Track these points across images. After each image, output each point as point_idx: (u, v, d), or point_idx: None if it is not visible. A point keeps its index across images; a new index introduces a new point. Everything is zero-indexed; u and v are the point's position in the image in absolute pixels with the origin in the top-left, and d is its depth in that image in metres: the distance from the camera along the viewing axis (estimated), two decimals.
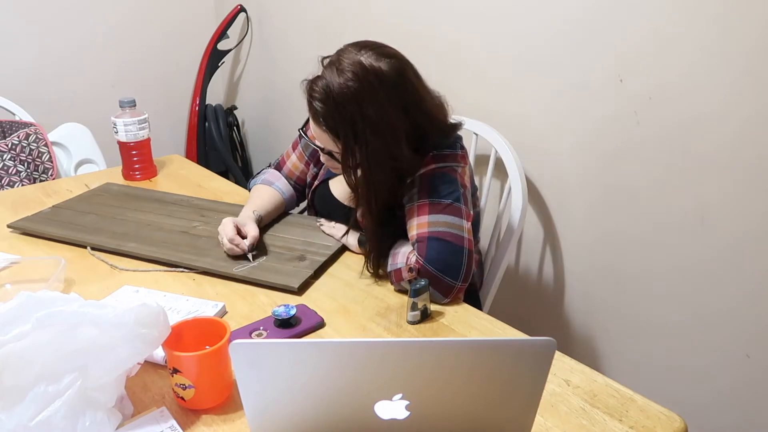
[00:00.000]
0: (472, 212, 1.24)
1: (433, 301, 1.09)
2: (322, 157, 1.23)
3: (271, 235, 1.32)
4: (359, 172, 1.13)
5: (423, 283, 1.04)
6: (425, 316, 1.07)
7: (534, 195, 1.69)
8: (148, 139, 1.71)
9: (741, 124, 1.25)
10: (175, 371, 0.83)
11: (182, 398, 0.85)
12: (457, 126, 1.24)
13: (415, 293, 1.03)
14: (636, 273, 1.52)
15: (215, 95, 2.90)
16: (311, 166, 1.44)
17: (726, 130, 1.28)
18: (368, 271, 1.19)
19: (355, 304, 1.12)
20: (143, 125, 1.67)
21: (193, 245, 1.29)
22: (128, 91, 1.95)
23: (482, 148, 1.67)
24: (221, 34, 2.70)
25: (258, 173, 1.51)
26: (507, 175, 1.55)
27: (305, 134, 1.28)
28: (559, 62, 1.54)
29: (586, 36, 1.47)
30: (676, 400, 1.43)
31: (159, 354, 0.93)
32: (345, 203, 1.34)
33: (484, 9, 1.68)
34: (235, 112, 2.91)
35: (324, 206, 1.40)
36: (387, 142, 1.11)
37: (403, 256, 1.15)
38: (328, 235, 1.33)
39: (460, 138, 1.25)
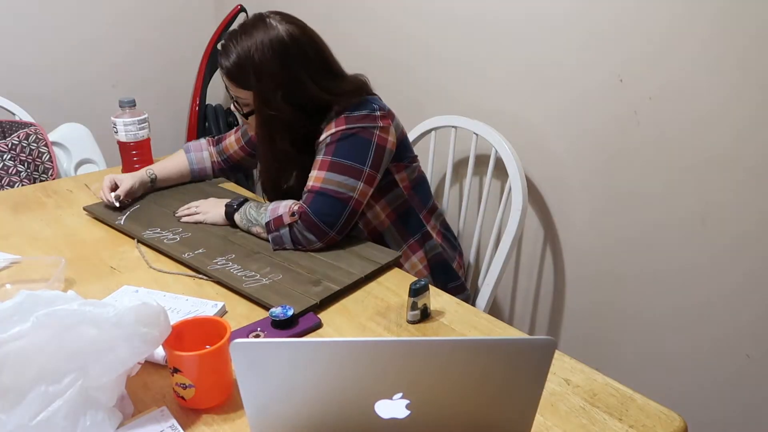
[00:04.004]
0: (407, 177, 1.37)
1: (307, 246, 1.24)
2: (233, 106, 1.36)
3: (301, 253, 1.26)
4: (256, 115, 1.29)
5: (423, 282, 1.04)
6: (425, 315, 1.07)
7: (534, 195, 1.69)
8: (148, 139, 1.71)
9: (741, 124, 1.26)
10: (176, 371, 0.83)
11: (183, 398, 0.85)
12: (360, 88, 1.32)
13: (415, 293, 1.03)
14: (636, 273, 1.52)
15: (215, 95, 2.90)
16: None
17: (726, 130, 1.28)
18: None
19: (355, 303, 1.12)
20: (143, 125, 1.67)
21: (221, 251, 1.26)
22: (128, 90, 1.95)
23: (482, 148, 1.67)
24: (221, 34, 2.70)
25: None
26: (507, 175, 1.55)
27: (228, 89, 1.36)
28: (559, 62, 1.54)
29: (586, 36, 1.47)
30: (676, 399, 1.43)
31: (159, 353, 0.93)
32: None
33: (483, 9, 1.68)
34: None
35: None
36: (265, 90, 1.25)
37: (285, 206, 1.26)
38: (194, 223, 1.38)
39: (374, 101, 1.32)
